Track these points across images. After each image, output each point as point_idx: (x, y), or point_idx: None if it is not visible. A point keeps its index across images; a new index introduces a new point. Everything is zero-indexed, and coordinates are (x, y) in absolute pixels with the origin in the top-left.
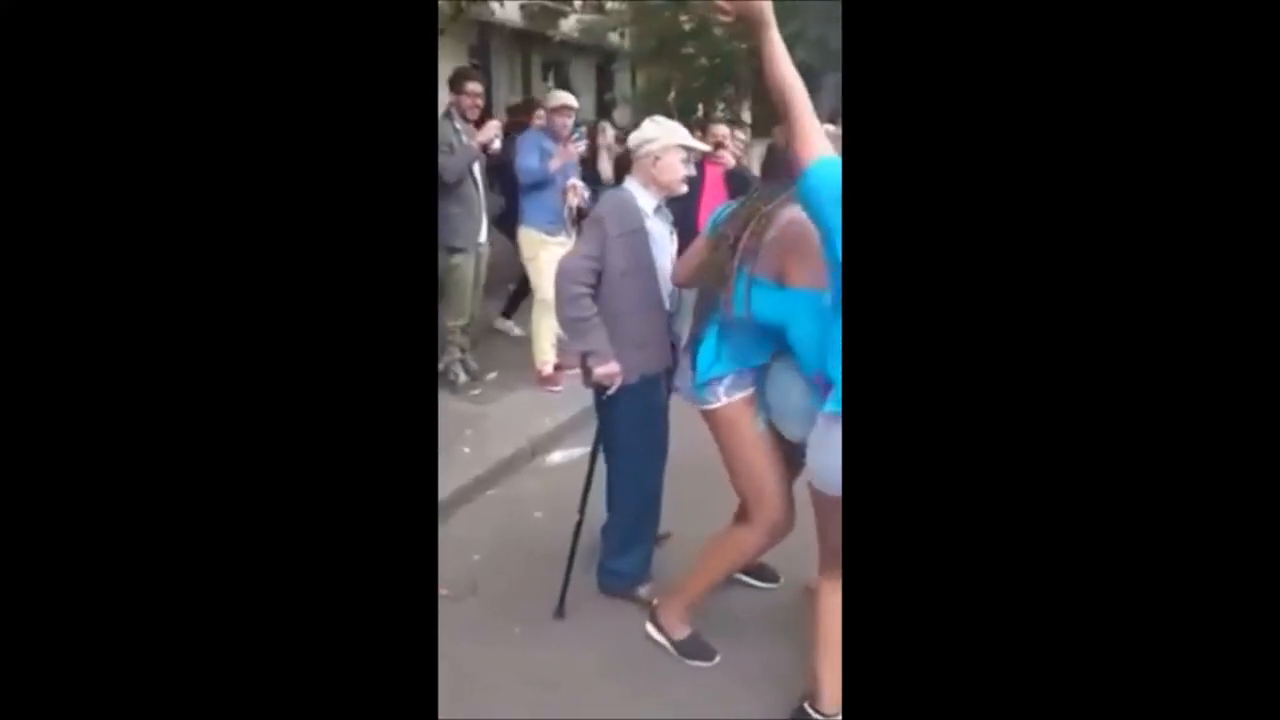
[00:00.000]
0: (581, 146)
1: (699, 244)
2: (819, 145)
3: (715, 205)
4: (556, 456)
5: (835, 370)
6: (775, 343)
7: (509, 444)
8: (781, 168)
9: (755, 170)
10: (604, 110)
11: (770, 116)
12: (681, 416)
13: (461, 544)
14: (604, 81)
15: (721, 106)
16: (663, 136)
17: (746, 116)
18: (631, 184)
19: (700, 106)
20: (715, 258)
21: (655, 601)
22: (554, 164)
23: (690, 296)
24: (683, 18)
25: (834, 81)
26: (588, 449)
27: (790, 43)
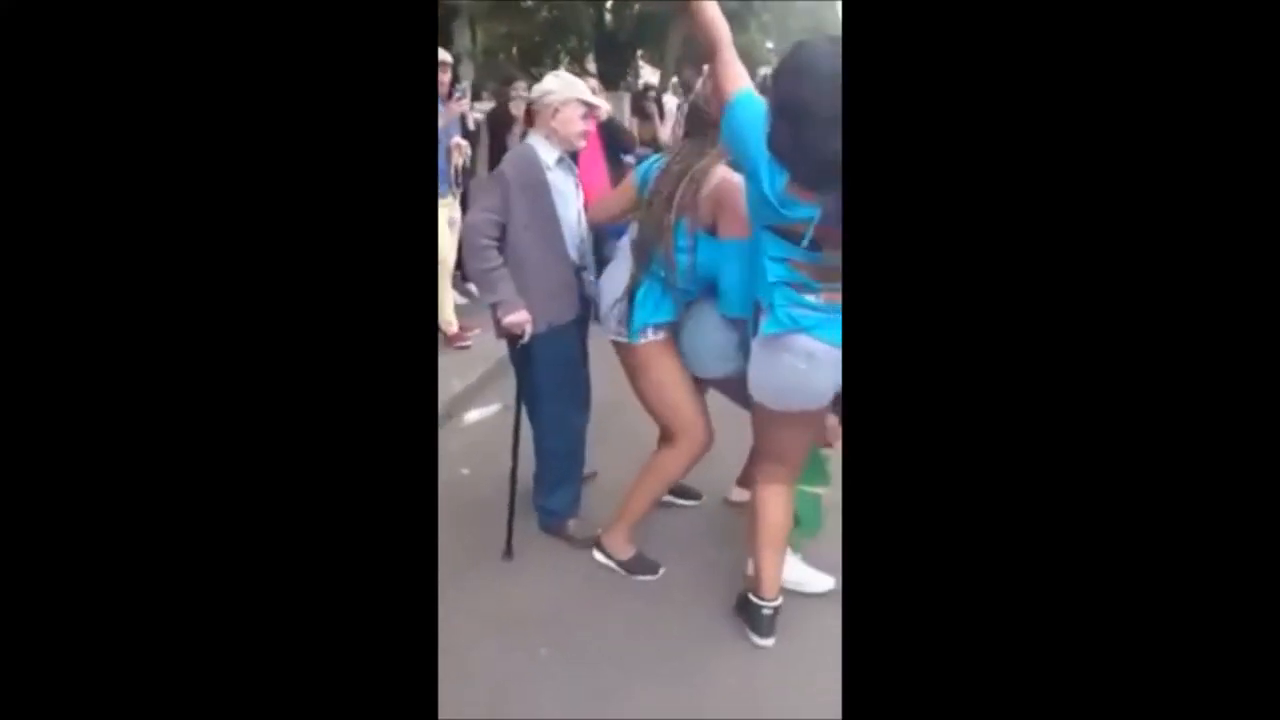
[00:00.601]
0: (464, 103)
1: (623, 189)
2: (742, 80)
3: (591, 155)
4: (472, 415)
5: (764, 294)
6: (698, 291)
7: None
8: (704, 125)
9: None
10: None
11: (615, 70)
12: (601, 361)
13: None
14: (444, 37)
15: (566, 60)
16: (561, 90)
17: (591, 68)
18: (534, 137)
19: (547, 61)
20: (652, 213)
21: (597, 531)
22: (440, 122)
23: (616, 263)
24: None
25: (679, 33)
26: (499, 405)
27: None
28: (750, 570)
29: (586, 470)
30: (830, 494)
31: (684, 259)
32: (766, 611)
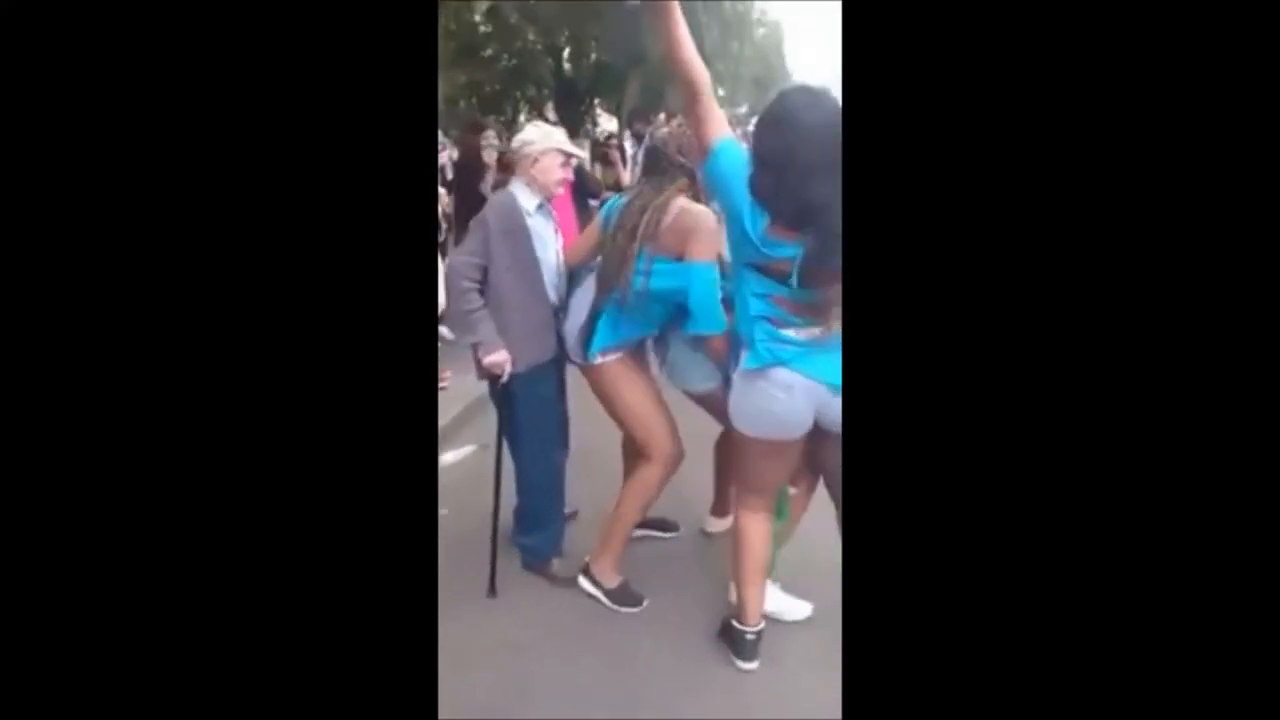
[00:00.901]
0: (446, 154)
1: (590, 231)
2: (721, 128)
3: (561, 200)
4: (448, 457)
5: (745, 329)
6: (664, 315)
7: None
8: (660, 164)
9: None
10: None
11: (573, 118)
12: (579, 401)
13: None
14: None
15: (525, 108)
16: (540, 140)
17: (550, 115)
18: (515, 185)
19: (508, 109)
20: (616, 245)
21: (586, 559)
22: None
23: (581, 291)
24: (477, 19)
25: (635, 82)
26: (475, 446)
27: (596, 46)
28: (733, 597)
29: (568, 509)
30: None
31: (639, 281)
32: (750, 637)
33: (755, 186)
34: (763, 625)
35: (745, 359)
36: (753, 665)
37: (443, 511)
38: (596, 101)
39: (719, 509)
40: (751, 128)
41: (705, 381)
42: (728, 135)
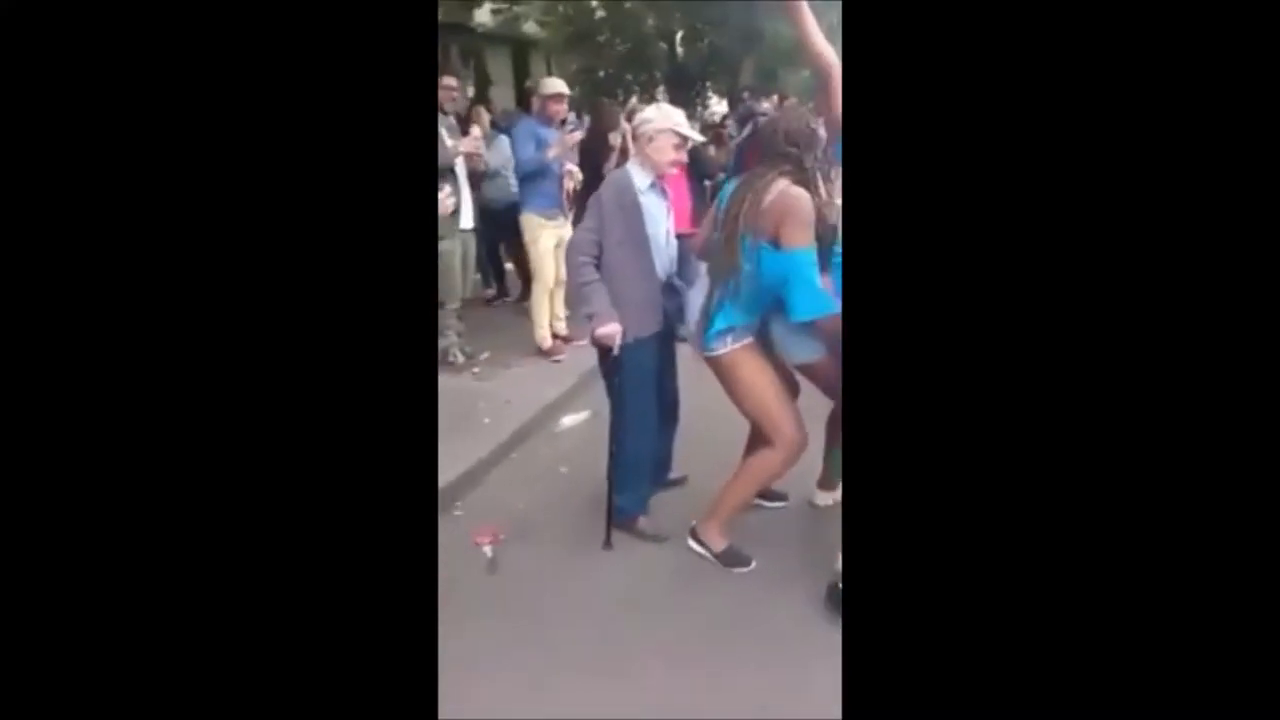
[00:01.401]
0: (578, 135)
1: (709, 218)
2: None
3: (677, 179)
4: (566, 421)
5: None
6: (771, 298)
7: (522, 414)
8: (767, 149)
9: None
10: (523, 98)
11: (684, 99)
12: (694, 374)
13: (500, 500)
14: (520, 70)
15: (637, 92)
16: (658, 120)
17: (661, 98)
18: (631, 164)
19: (619, 93)
20: (724, 232)
21: (693, 523)
22: (551, 152)
23: (703, 278)
24: (594, 3)
25: (749, 64)
26: (588, 413)
27: (710, 31)
28: (839, 564)
29: (676, 474)
30: None
31: (747, 268)
32: None
33: None
34: None
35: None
36: None
37: (562, 469)
38: (709, 85)
39: (826, 482)
40: None
41: (811, 353)
42: None
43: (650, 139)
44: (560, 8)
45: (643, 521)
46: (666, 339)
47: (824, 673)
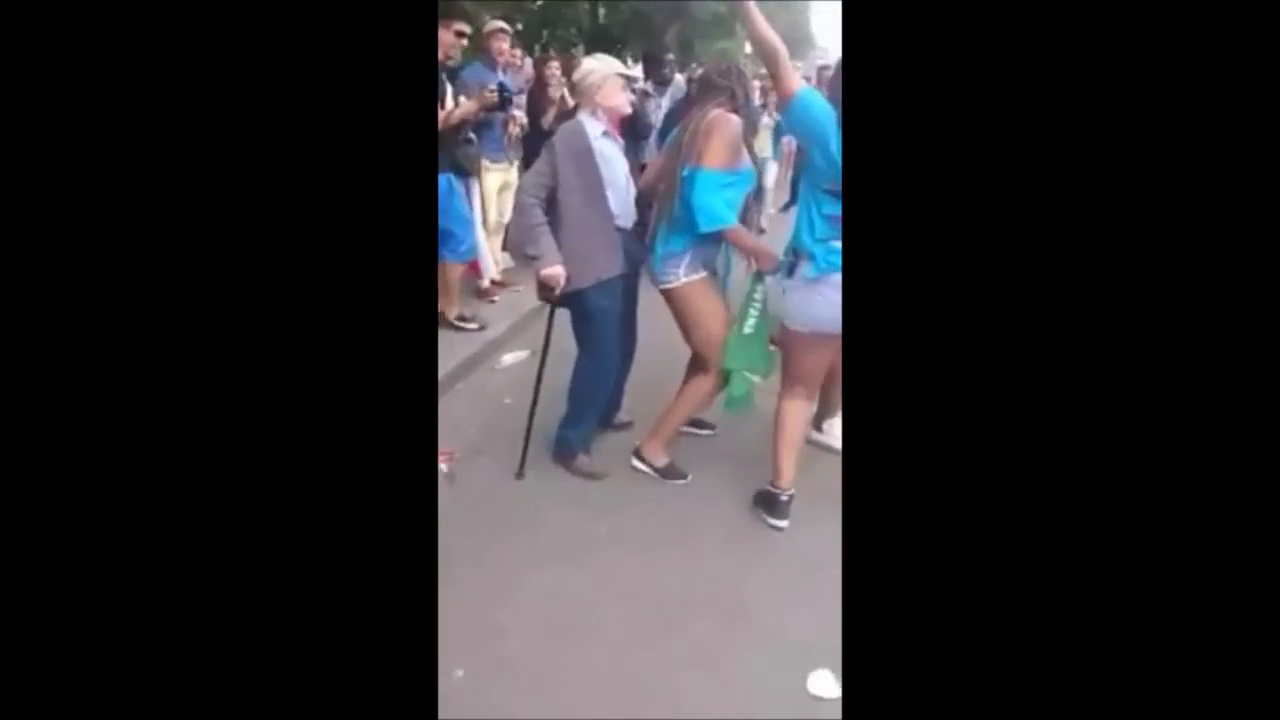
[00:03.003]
0: (527, 70)
1: (657, 158)
2: (800, 81)
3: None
4: (507, 358)
5: (807, 245)
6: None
7: (465, 349)
8: (703, 88)
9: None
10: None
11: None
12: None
13: (455, 422)
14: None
15: (555, 47)
16: (600, 68)
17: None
18: (581, 114)
19: (535, 49)
20: (668, 164)
21: (638, 443)
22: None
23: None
24: None
25: (673, 32)
26: (528, 352)
27: None
28: (772, 465)
29: (624, 417)
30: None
31: (681, 192)
32: (783, 499)
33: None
34: (793, 490)
35: (805, 269)
36: (784, 523)
37: (506, 400)
38: (625, 50)
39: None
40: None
41: (806, 324)
42: (806, 85)
43: (599, 87)
44: None
45: (581, 459)
46: (628, 281)
47: (740, 557)
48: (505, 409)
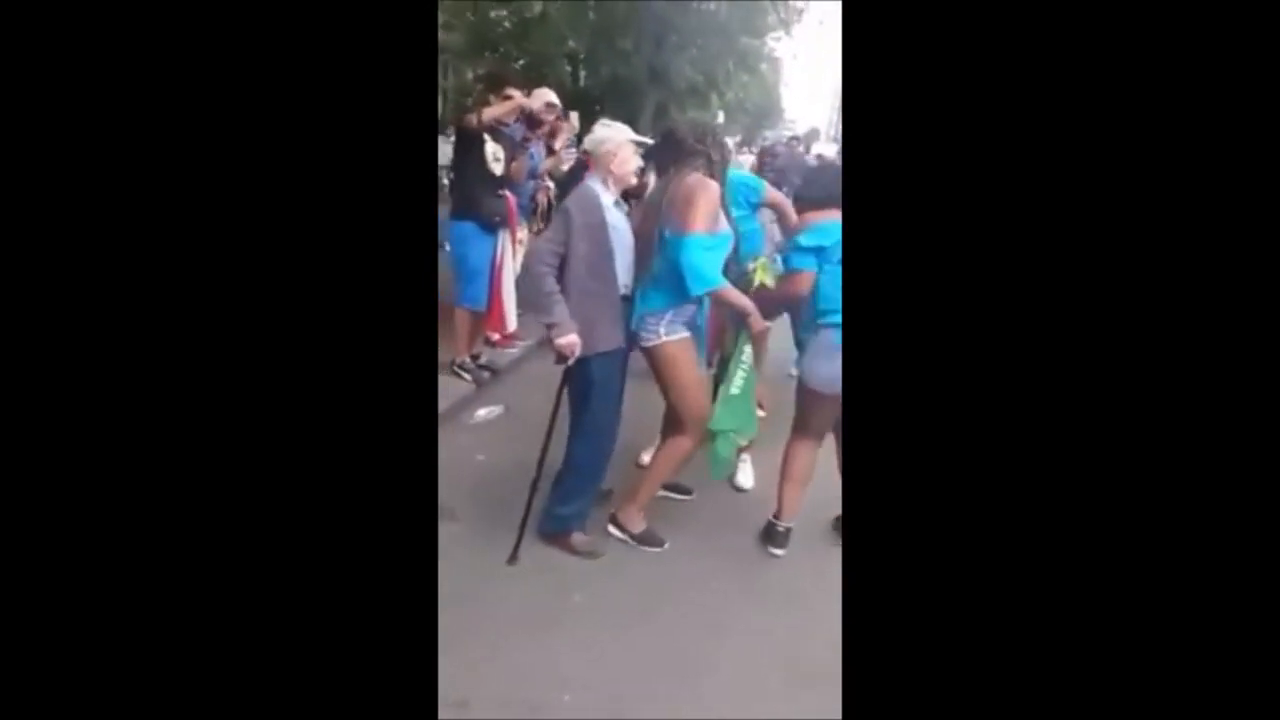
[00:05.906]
0: (574, 151)
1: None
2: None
3: None
4: (480, 413)
5: (831, 315)
6: (679, 279)
7: (440, 402)
8: (679, 150)
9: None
10: None
11: (589, 118)
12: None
13: None
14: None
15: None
16: (615, 135)
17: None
18: (593, 180)
19: None
20: (645, 225)
21: (613, 509)
22: (543, 167)
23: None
24: (499, 14)
25: (651, 100)
26: (501, 408)
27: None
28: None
29: (606, 486)
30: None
31: (661, 255)
32: (782, 529)
33: None
34: (794, 524)
35: (831, 335)
36: (783, 551)
37: (479, 457)
38: (603, 113)
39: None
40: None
41: (827, 384)
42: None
43: (614, 155)
44: (468, 12)
45: (577, 537)
46: (625, 358)
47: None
48: (477, 466)
